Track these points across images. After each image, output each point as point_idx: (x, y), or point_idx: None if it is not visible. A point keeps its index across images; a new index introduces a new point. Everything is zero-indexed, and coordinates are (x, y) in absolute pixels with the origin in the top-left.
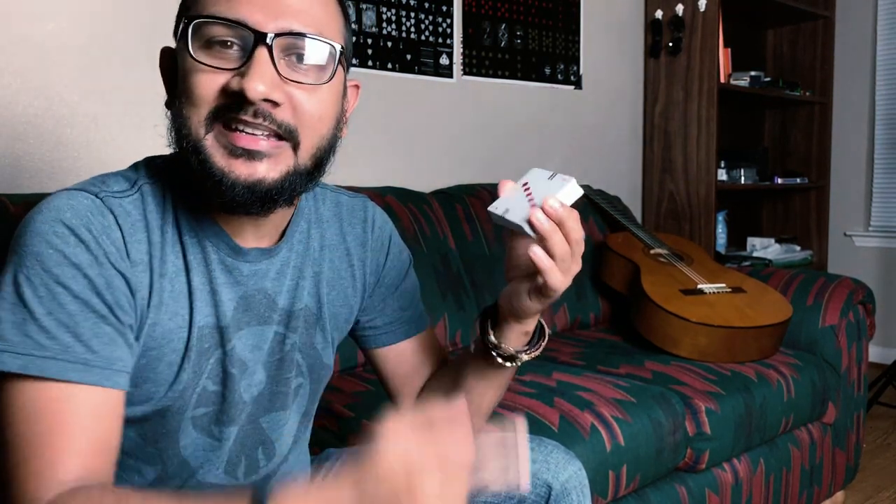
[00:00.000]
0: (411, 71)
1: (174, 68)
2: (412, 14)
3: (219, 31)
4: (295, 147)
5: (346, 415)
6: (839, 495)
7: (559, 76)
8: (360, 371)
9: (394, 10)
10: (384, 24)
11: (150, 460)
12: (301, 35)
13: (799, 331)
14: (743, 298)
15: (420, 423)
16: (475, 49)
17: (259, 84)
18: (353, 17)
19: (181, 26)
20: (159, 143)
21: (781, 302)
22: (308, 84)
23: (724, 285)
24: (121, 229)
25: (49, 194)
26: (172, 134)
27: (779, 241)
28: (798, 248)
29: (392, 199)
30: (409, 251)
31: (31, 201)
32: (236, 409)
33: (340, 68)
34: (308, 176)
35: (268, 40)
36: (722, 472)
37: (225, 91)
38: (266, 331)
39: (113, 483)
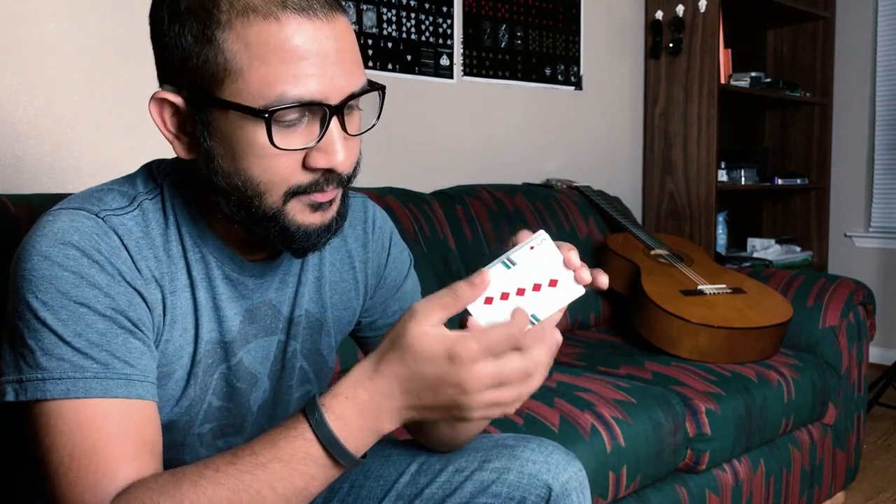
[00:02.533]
0: (412, 72)
1: (186, 118)
2: (412, 15)
3: (292, 115)
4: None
5: None
6: (839, 496)
7: (559, 76)
8: None
9: (394, 11)
10: (384, 25)
11: None
12: (361, 93)
13: (799, 332)
14: (743, 299)
15: (450, 305)
16: (475, 49)
17: (346, 158)
18: (354, 19)
19: (243, 112)
20: (160, 144)
21: (782, 303)
22: (364, 131)
23: (724, 286)
24: (127, 249)
25: (48, 195)
26: (220, 190)
27: (779, 241)
28: (798, 248)
29: (392, 200)
30: (410, 251)
31: (32, 201)
32: (243, 420)
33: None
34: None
35: (341, 110)
36: (722, 473)
37: (307, 167)
38: (272, 341)
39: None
